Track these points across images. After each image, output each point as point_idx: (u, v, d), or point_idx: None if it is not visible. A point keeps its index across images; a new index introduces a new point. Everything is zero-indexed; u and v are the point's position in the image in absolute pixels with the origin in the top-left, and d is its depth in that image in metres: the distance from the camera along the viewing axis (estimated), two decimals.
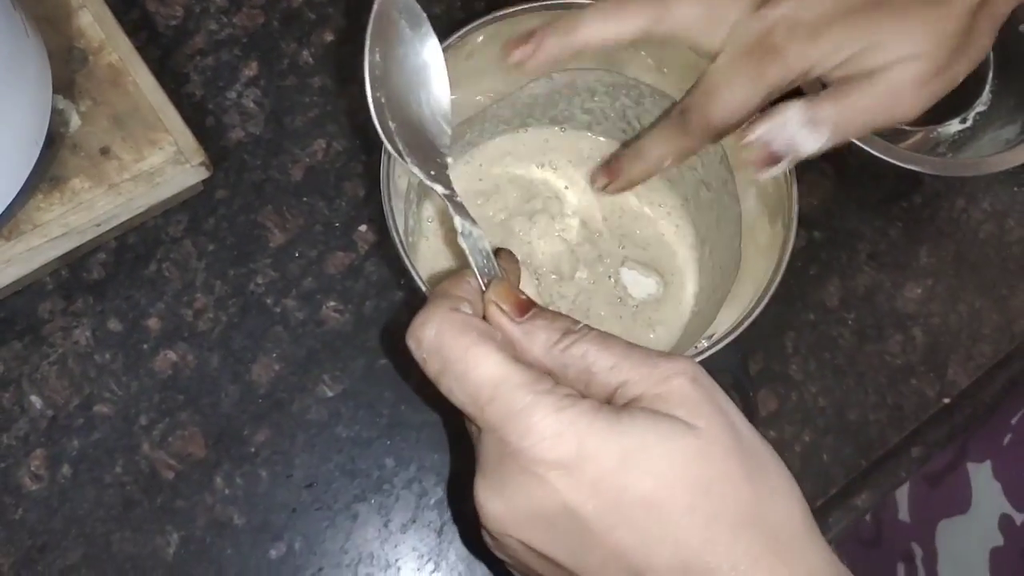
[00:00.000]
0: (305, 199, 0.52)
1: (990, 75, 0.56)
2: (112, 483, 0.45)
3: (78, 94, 0.46)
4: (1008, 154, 0.52)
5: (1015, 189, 0.57)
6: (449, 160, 0.35)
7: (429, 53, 0.36)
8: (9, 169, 0.41)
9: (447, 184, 0.34)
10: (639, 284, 0.44)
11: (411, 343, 0.31)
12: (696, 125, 0.37)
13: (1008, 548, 0.56)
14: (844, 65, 0.36)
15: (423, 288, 0.36)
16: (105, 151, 0.45)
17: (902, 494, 0.64)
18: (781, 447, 0.50)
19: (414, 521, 0.47)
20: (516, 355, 0.30)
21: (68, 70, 0.47)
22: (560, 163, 0.45)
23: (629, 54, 0.40)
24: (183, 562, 0.45)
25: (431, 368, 0.30)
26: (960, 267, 0.55)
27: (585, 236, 0.44)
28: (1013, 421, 0.55)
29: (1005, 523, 0.57)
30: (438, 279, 0.43)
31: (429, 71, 0.36)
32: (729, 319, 0.37)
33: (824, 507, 0.50)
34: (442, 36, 0.40)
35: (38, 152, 0.42)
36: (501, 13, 0.39)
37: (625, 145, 0.45)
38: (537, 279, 0.43)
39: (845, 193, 0.56)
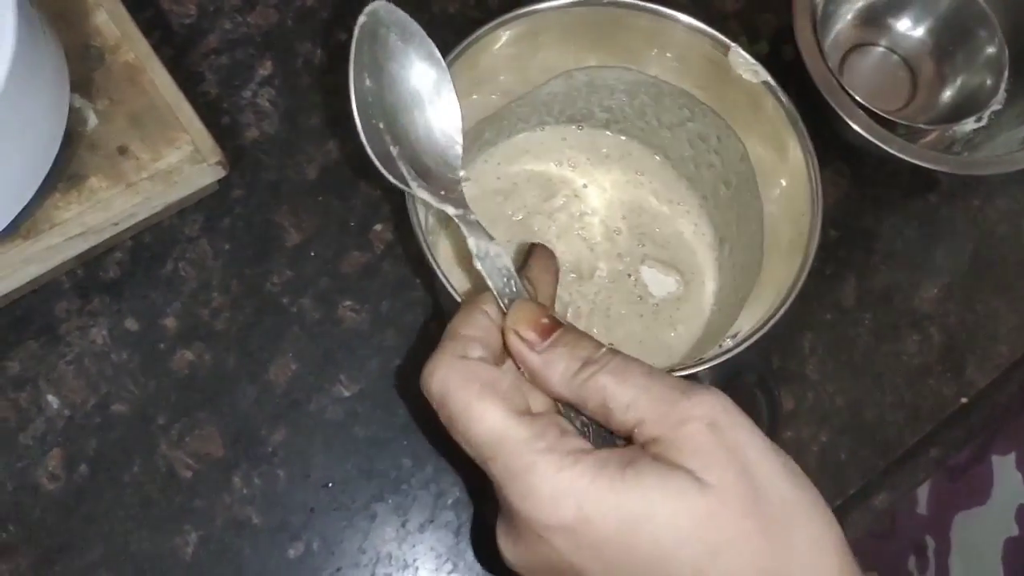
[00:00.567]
0: (320, 198, 0.51)
1: (1006, 74, 0.56)
2: (130, 483, 0.45)
3: (95, 92, 0.46)
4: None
5: None
6: (462, 174, 0.34)
7: (427, 64, 0.34)
8: (28, 168, 0.41)
9: (458, 203, 0.33)
10: (659, 282, 0.43)
11: (423, 391, 0.30)
12: None
13: (1023, 538, 0.56)
14: None
15: (450, 289, 0.35)
16: (123, 150, 0.45)
17: (923, 489, 0.64)
18: (798, 447, 0.50)
19: (432, 521, 0.47)
20: (530, 393, 0.29)
21: (85, 68, 0.46)
22: (579, 161, 0.45)
23: (649, 52, 0.40)
24: (201, 562, 0.45)
25: (441, 419, 0.29)
26: (977, 266, 0.55)
27: (604, 234, 0.44)
28: None
29: (1023, 513, 0.56)
30: (467, 293, 0.43)
31: (430, 83, 0.34)
32: (752, 318, 0.37)
33: (842, 508, 0.50)
34: (458, 36, 0.40)
35: (56, 151, 0.42)
36: (519, 12, 0.39)
37: None
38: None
39: (861, 192, 0.56)
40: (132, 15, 0.50)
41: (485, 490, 0.30)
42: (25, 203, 0.42)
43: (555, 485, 0.27)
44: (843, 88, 0.52)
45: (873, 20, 0.59)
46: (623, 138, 0.46)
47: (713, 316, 0.43)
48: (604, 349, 0.29)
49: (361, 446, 0.47)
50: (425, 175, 0.32)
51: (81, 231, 0.44)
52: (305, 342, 0.49)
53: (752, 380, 0.35)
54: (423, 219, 0.38)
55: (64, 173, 0.44)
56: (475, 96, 0.41)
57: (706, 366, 0.34)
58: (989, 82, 0.56)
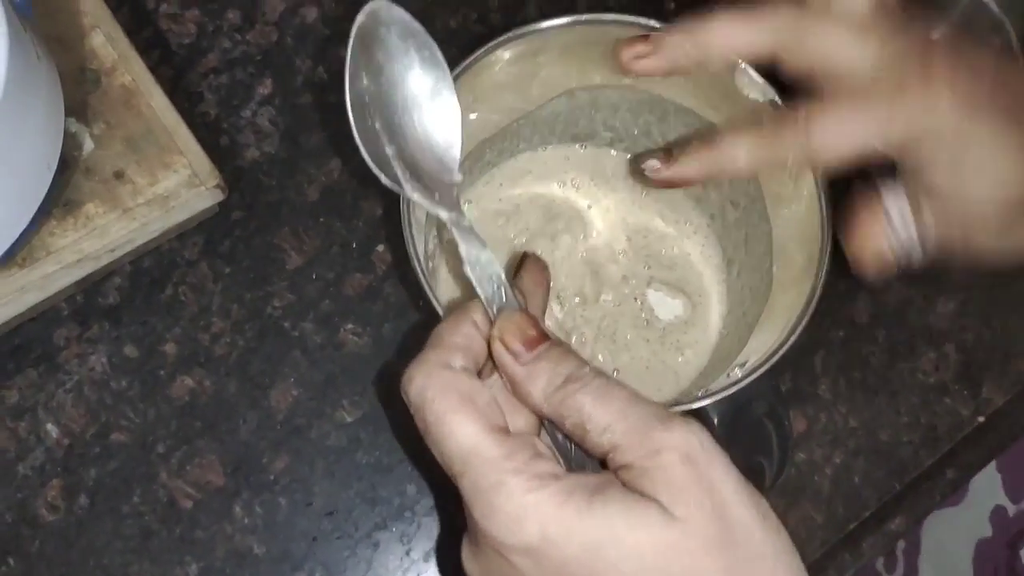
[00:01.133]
0: (322, 219, 0.51)
1: None
2: (130, 513, 0.45)
3: (91, 116, 0.46)
4: None
5: None
6: (458, 177, 0.33)
7: (428, 65, 0.34)
8: (22, 196, 0.41)
9: (452, 206, 0.32)
10: (665, 306, 0.42)
11: (402, 395, 0.30)
12: (796, 142, 0.34)
13: (995, 539, 0.55)
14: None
15: (438, 308, 0.35)
16: (119, 175, 0.45)
17: None
18: (811, 469, 0.49)
19: (437, 550, 0.46)
20: (513, 411, 0.29)
21: (81, 92, 0.46)
22: (582, 181, 0.44)
23: None
24: None
25: (418, 425, 0.29)
26: (993, 281, 0.54)
27: (609, 257, 0.43)
28: None
29: (998, 515, 0.56)
30: (458, 304, 0.42)
31: (429, 84, 0.34)
32: (762, 344, 0.36)
33: (857, 532, 0.49)
34: (460, 51, 0.39)
35: (51, 178, 0.41)
36: (519, 32, 0.38)
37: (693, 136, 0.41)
38: (560, 303, 0.42)
39: None
40: (130, 36, 0.49)
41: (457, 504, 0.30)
42: (20, 231, 0.41)
43: (521, 506, 0.26)
44: None
45: None
46: (628, 156, 0.45)
47: (722, 340, 0.42)
48: (588, 368, 0.29)
49: (364, 472, 0.47)
50: (421, 177, 0.32)
51: (78, 258, 0.43)
52: (307, 367, 0.48)
53: (762, 410, 0.34)
54: (421, 245, 0.37)
55: (60, 199, 0.44)
56: (475, 115, 0.40)
57: (715, 398, 0.33)
58: None
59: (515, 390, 0.30)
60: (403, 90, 0.33)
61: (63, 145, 0.43)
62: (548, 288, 0.35)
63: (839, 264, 0.53)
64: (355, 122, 0.32)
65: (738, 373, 0.35)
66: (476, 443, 0.27)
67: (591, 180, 0.44)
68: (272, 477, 0.46)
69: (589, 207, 0.44)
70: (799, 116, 0.34)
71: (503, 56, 0.38)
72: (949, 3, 0.56)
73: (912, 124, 0.33)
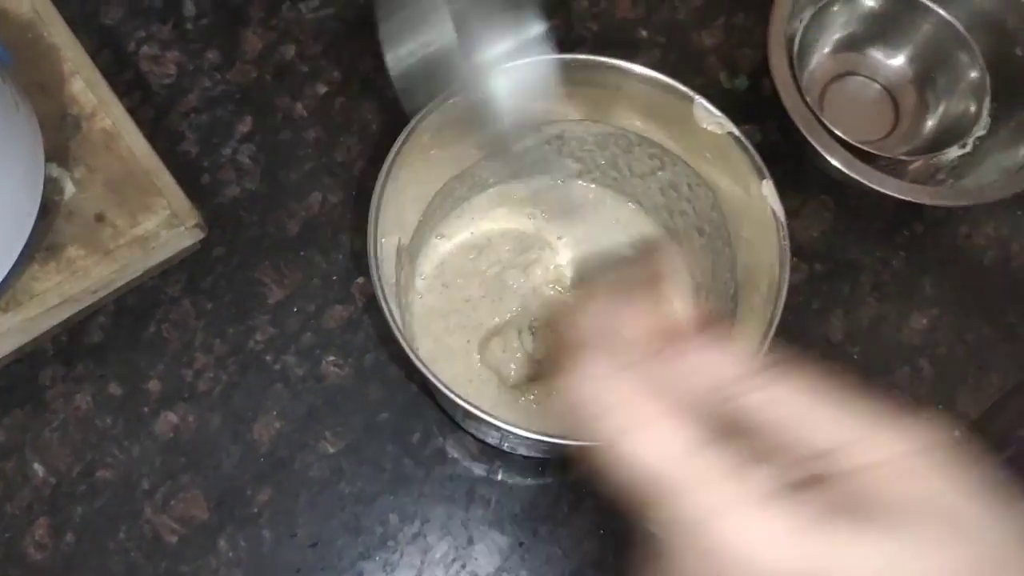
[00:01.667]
0: (302, 253, 0.52)
1: (987, 99, 0.55)
2: (116, 550, 0.45)
3: (72, 161, 0.47)
4: (1008, 180, 0.51)
5: (1019, 213, 0.57)
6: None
7: None
8: (3, 242, 0.42)
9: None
10: None
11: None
12: None
13: None
14: None
15: (413, 357, 0.35)
16: (100, 217, 0.46)
17: None
18: None
19: None
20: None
21: (62, 137, 0.47)
22: (553, 213, 0.45)
23: (615, 104, 0.40)
24: None
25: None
26: (965, 295, 0.55)
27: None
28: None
29: None
30: (435, 337, 0.43)
31: None
32: None
33: None
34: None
35: (32, 223, 0.42)
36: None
37: None
38: (532, 332, 0.43)
39: (846, 224, 0.55)
40: (111, 78, 0.50)
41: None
42: (2, 277, 0.42)
43: (750, 534, 0.22)
44: (822, 123, 0.51)
45: (852, 50, 0.59)
46: (597, 187, 0.46)
47: None
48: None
49: (347, 503, 0.47)
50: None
51: (60, 301, 0.44)
52: (289, 399, 0.49)
53: None
54: (392, 283, 0.38)
55: (42, 244, 0.45)
56: (442, 153, 0.41)
57: None
58: (972, 108, 0.56)
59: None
60: None
61: (45, 190, 0.44)
62: None
63: (813, 282, 0.54)
64: None
65: None
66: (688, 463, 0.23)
67: (561, 211, 0.45)
68: (256, 510, 0.47)
69: (559, 238, 0.45)
70: None
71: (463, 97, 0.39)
72: (916, 23, 0.57)
73: None
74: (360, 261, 0.51)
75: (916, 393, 0.52)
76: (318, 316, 0.50)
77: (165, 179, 0.46)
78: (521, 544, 0.48)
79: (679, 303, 0.28)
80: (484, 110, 0.33)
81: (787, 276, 0.36)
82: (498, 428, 0.34)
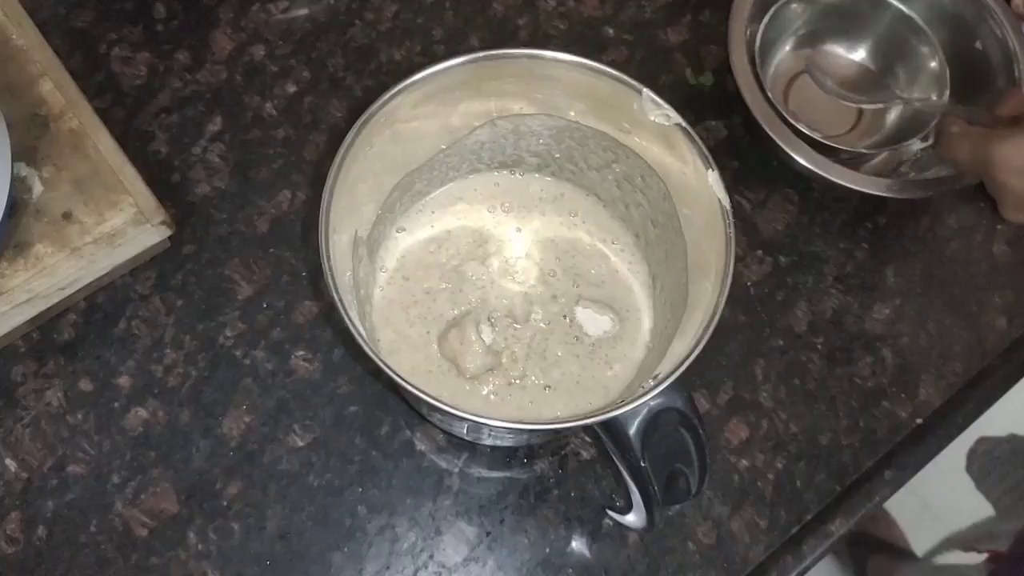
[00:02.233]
0: (272, 250, 0.52)
1: (947, 92, 0.56)
2: (87, 543, 0.46)
3: (40, 160, 0.47)
4: None
5: (981, 205, 0.57)
6: None
7: None
8: None
9: None
10: (594, 322, 0.44)
11: None
12: None
13: None
14: None
15: (374, 357, 0.36)
16: (67, 215, 0.46)
17: None
18: (754, 476, 0.50)
19: (388, 567, 0.47)
20: None
21: (30, 137, 0.48)
22: (512, 205, 0.46)
23: (568, 98, 0.41)
24: None
25: None
26: (928, 285, 0.55)
27: (538, 277, 0.45)
28: None
29: None
30: (396, 328, 0.43)
31: None
32: (676, 356, 0.37)
33: (799, 534, 0.50)
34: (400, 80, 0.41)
35: None
36: (423, 74, 0.39)
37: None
38: (491, 323, 0.43)
39: (809, 217, 0.56)
40: (83, 80, 0.51)
41: None
42: None
43: None
44: (784, 118, 0.52)
45: (812, 46, 0.59)
46: (554, 180, 0.46)
47: (649, 354, 0.43)
48: None
49: (316, 495, 0.48)
50: None
51: (28, 298, 0.45)
52: (258, 394, 0.49)
53: (675, 420, 0.36)
54: (348, 273, 0.38)
55: (10, 242, 0.45)
56: (399, 148, 0.41)
57: (624, 409, 0.35)
58: (933, 99, 0.57)
59: None
60: None
61: (13, 189, 0.45)
62: None
63: (777, 275, 0.54)
64: None
65: (651, 383, 0.36)
66: None
67: (520, 204, 0.46)
68: (225, 503, 0.47)
69: (519, 230, 0.45)
70: None
71: (414, 95, 0.39)
72: (876, 18, 0.58)
73: None
74: None
75: (879, 382, 0.53)
76: (287, 312, 0.51)
77: (131, 177, 0.47)
78: (488, 534, 0.48)
79: None
80: None
81: (732, 262, 0.37)
82: (461, 418, 0.35)
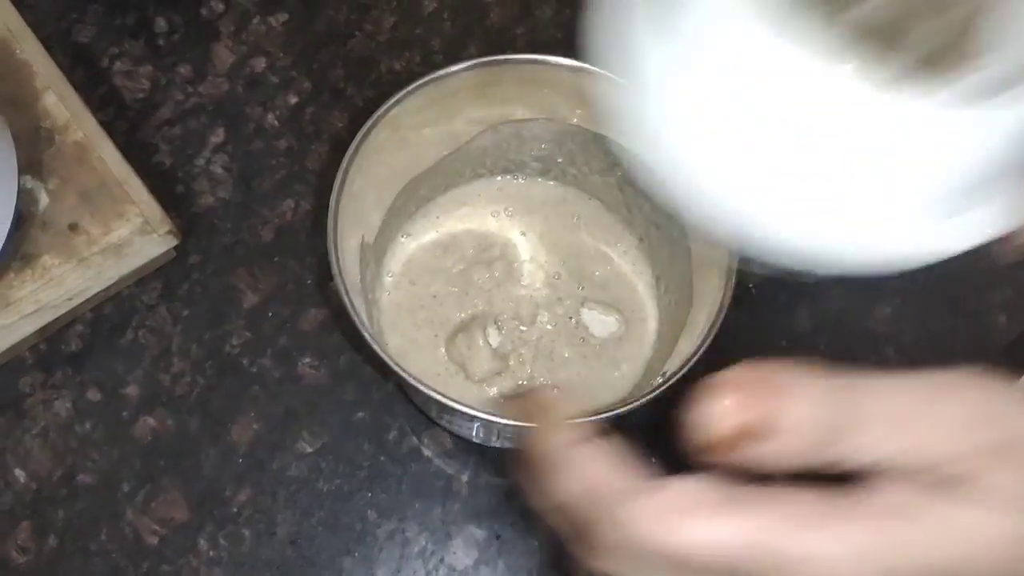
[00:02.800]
0: (276, 259, 0.53)
1: None
2: (98, 551, 0.46)
3: (46, 173, 0.48)
4: None
5: None
6: None
7: None
8: None
9: None
10: (600, 323, 0.44)
11: None
12: None
13: None
14: None
15: (383, 357, 0.36)
16: (74, 226, 0.47)
17: None
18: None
19: (399, 571, 0.47)
20: None
21: (36, 150, 0.48)
22: (516, 210, 0.46)
23: (568, 102, 0.41)
24: None
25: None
26: (929, 282, 0.56)
27: (544, 280, 0.45)
28: None
29: None
30: (403, 332, 0.44)
31: None
32: (683, 354, 0.38)
33: None
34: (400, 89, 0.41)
35: (6, 234, 0.43)
36: (426, 79, 0.40)
37: None
38: (498, 327, 0.44)
39: None
40: (86, 93, 0.52)
41: None
42: None
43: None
44: None
45: None
46: (557, 185, 0.47)
47: (655, 354, 0.44)
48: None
49: (325, 501, 0.48)
50: None
51: (36, 308, 0.45)
52: (266, 401, 0.50)
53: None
54: (358, 281, 0.39)
55: (17, 254, 0.46)
56: (403, 154, 0.42)
57: (630, 407, 0.35)
58: None
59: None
60: None
61: (20, 201, 0.45)
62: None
63: (778, 276, 0.55)
64: None
65: (659, 381, 0.36)
66: None
67: (524, 208, 0.46)
68: (235, 509, 0.47)
69: (523, 234, 0.46)
70: None
71: (417, 101, 0.40)
72: None
73: None
74: None
75: None
76: (293, 319, 0.51)
77: (137, 188, 0.48)
78: (498, 537, 0.49)
79: None
80: None
81: (736, 260, 0.37)
82: (471, 417, 0.35)
